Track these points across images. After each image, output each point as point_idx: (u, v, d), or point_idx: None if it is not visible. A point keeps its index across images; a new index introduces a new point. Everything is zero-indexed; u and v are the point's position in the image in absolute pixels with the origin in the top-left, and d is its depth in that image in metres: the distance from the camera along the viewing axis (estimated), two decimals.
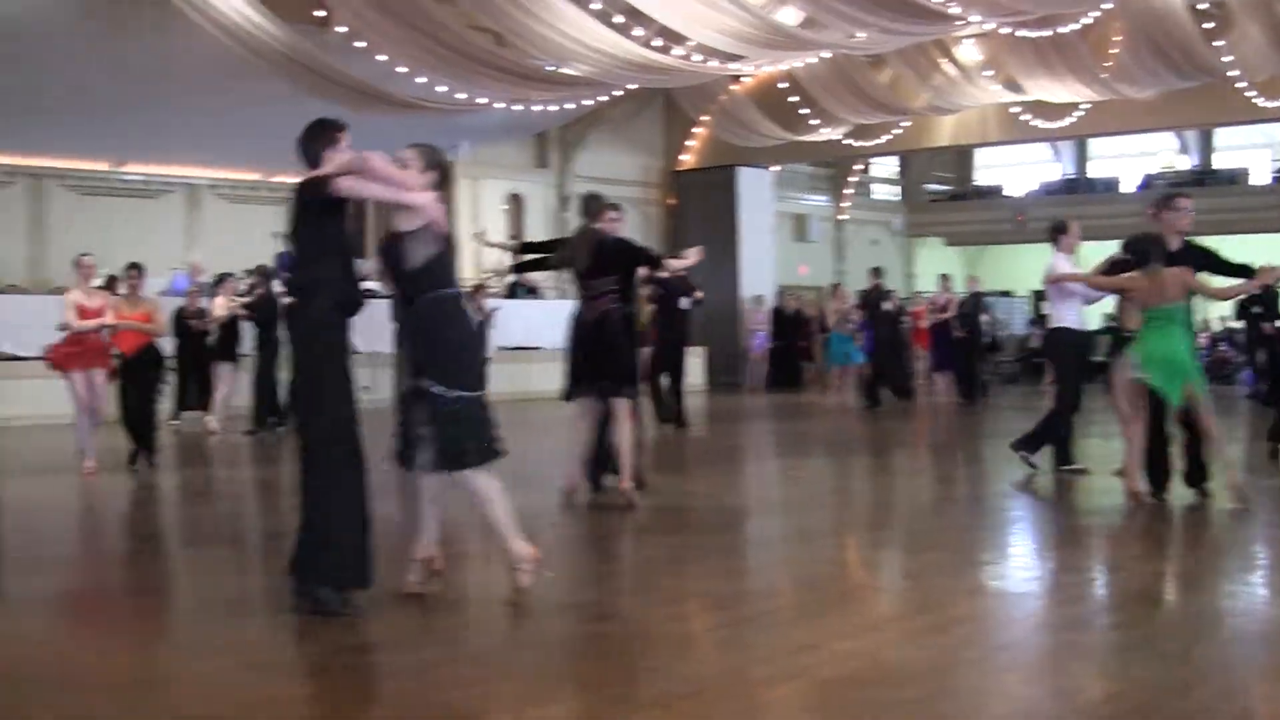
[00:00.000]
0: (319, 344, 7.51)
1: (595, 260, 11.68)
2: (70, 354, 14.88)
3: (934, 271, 31.98)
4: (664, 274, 13.98)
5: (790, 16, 24.88)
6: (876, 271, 26.77)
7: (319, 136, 7.73)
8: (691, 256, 12.64)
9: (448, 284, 7.75)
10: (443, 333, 7.70)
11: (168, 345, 19.52)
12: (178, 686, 6.35)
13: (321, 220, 7.55)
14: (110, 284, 15.75)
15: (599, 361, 11.65)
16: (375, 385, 24.91)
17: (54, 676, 6.49)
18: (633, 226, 33.71)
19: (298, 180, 7.66)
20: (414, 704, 5.94)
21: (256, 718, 5.80)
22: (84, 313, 14.85)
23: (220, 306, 21.11)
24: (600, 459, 12.44)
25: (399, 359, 23.34)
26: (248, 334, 21.49)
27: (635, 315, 12.51)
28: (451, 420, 7.64)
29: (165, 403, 19.49)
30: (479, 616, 7.49)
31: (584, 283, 11.79)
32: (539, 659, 6.79)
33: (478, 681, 6.37)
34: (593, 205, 12.00)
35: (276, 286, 21.53)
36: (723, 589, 8.51)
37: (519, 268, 13.91)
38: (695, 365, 30.96)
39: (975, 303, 27.25)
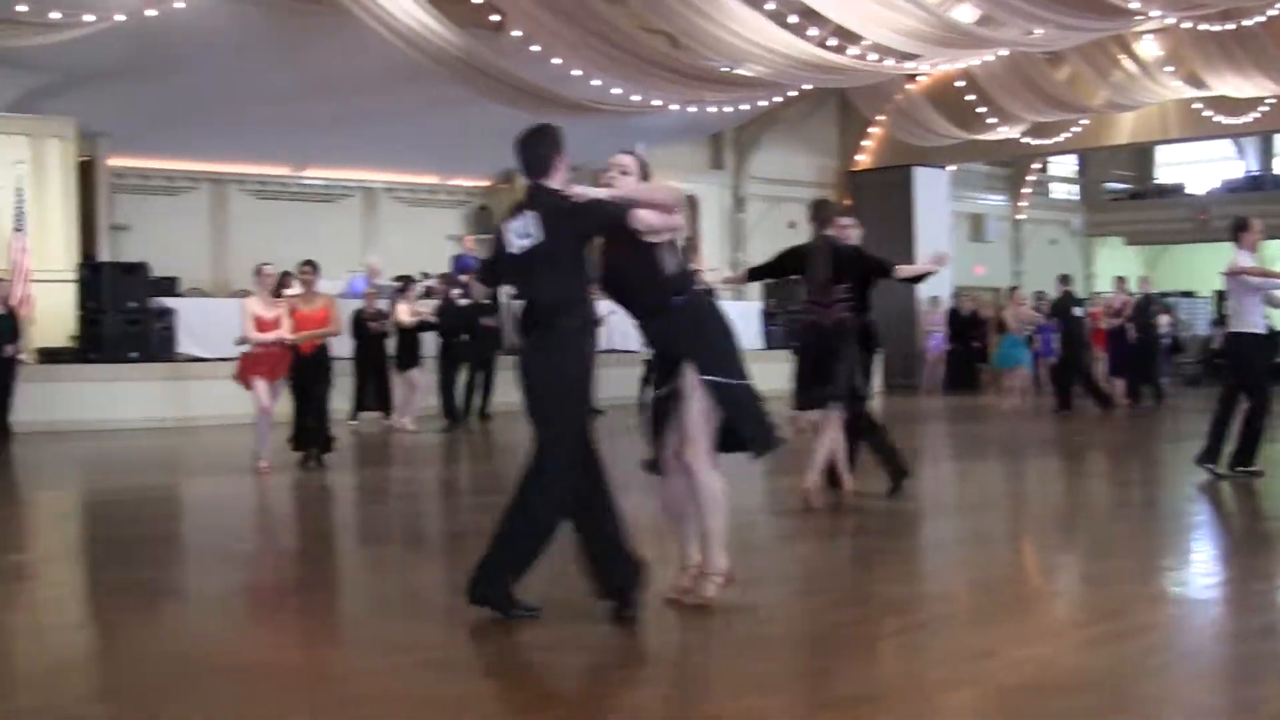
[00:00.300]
0: (573, 359, 7.43)
1: (835, 269, 11.54)
2: (254, 368, 15.13)
3: (1114, 272, 31.46)
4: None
5: (967, 14, 24.65)
6: (1065, 279, 26.20)
7: (550, 143, 7.61)
8: (931, 263, 12.47)
9: (693, 285, 7.76)
10: (712, 327, 7.70)
11: (346, 346, 19.83)
12: (353, 682, 6.43)
13: (582, 241, 7.52)
14: (282, 280, 15.88)
15: (829, 370, 11.55)
16: None
17: (232, 670, 6.60)
18: (807, 227, 33.62)
19: (576, 199, 7.43)
20: (589, 705, 5.96)
21: (431, 714, 5.85)
22: (261, 324, 15.00)
23: (405, 313, 21.37)
24: (890, 457, 12.35)
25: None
26: (429, 337, 21.79)
27: (873, 323, 12.36)
28: (749, 404, 7.65)
29: (344, 403, 19.79)
30: (655, 618, 7.47)
31: (816, 291, 11.67)
32: (716, 661, 6.78)
33: (653, 683, 6.39)
34: (824, 212, 11.84)
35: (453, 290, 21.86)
36: (900, 592, 8.45)
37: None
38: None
39: (1147, 305, 26.73)
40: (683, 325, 7.63)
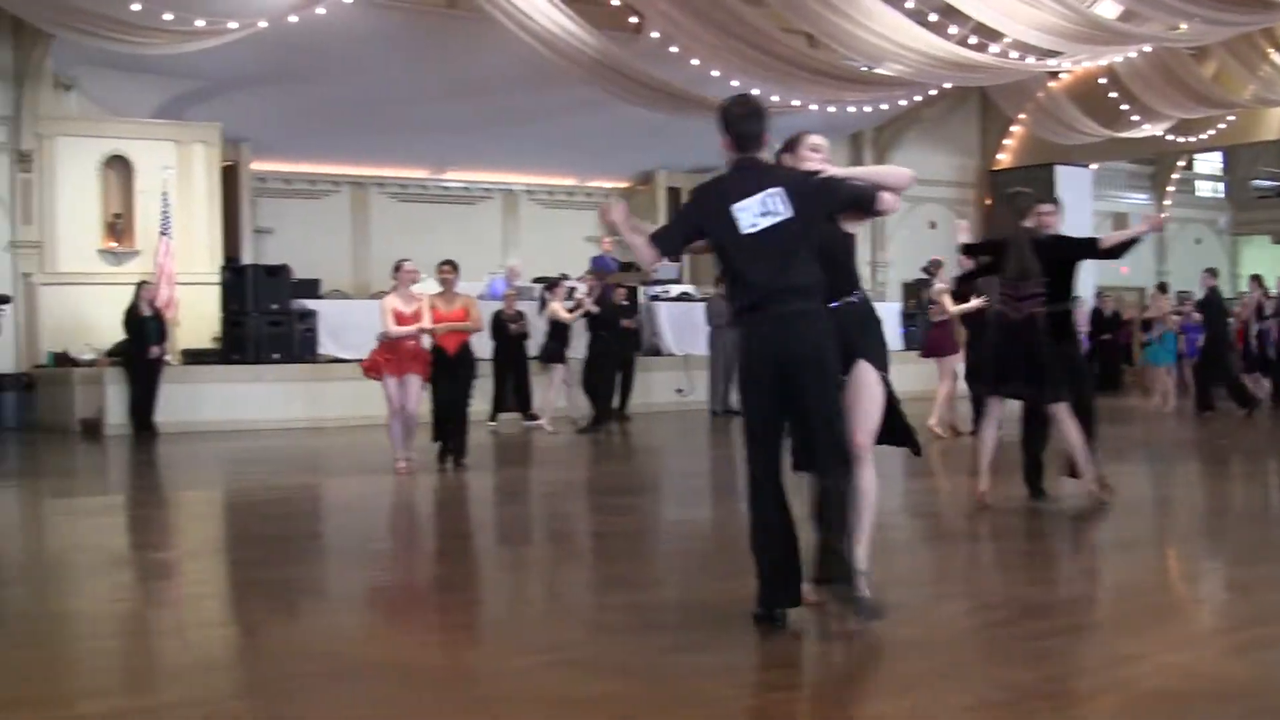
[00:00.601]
0: (828, 339, 7.17)
1: (1032, 262, 11.34)
2: (385, 360, 15.16)
3: (1263, 271, 30.90)
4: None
5: (1109, 9, 24.34)
6: (1212, 273, 25.73)
7: (764, 117, 7.27)
8: (1143, 226, 12.16)
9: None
10: (879, 324, 7.62)
11: (485, 347, 19.91)
12: (491, 681, 6.44)
13: (825, 220, 7.30)
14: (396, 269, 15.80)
15: (1020, 365, 11.36)
16: (691, 387, 25.13)
17: (373, 669, 6.62)
18: (948, 228, 33.38)
19: (821, 176, 7.23)
20: (728, 707, 5.92)
21: (567, 714, 5.85)
22: (400, 319, 14.99)
23: (560, 309, 21.42)
24: (1031, 464, 12.18)
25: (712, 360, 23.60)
26: (577, 337, 21.88)
27: (1070, 314, 12.12)
28: (897, 404, 7.60)
29: (482, 404, 19.86)
30: (794, 619, 7.40)
31: (1011, 283, 11.46)
32: (855, 663, 6.72)
33: (791, 685, 6.34)
34: (1022, 202, 11.62)
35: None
36: (1041, 596, 8.33)
37: (968, 278, 13.48)
38: None
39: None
40: (858, 320, 7.47)
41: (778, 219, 7.00)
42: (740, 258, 7.11)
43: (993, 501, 11.58)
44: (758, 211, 7.01)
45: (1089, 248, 11.91)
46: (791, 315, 7.03)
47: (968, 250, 12.33)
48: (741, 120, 7.19)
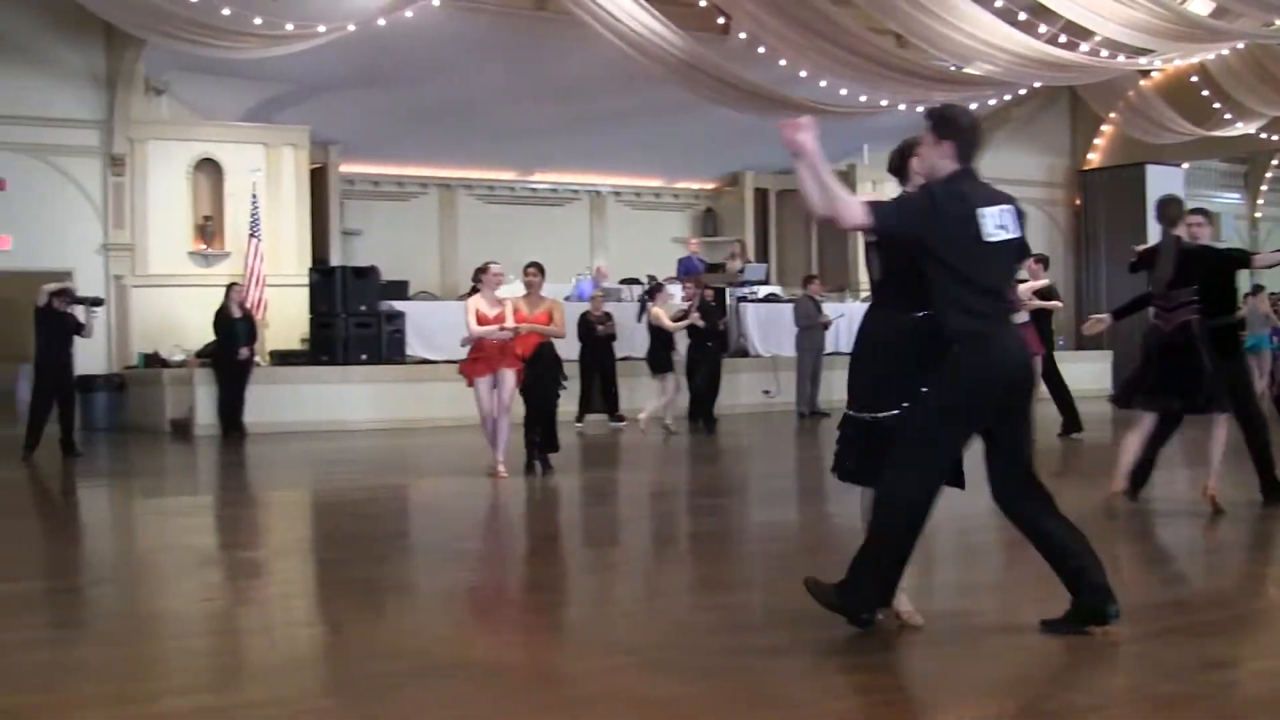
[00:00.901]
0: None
1: (1177, 270, 11.19)
2: (475, 362, 15.05)
3: None
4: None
5: (1202, 6, 24.10)
6: None
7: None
8: None
9: None
10: None
11: (572, 349, 19.87)
12: (577, 681, 6.44)
13: None
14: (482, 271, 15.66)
15: (1171, 376, 11.20)
16: (778, 388, 25.04)
17: (458, 668, 6.64)
18: (1036, 229, 33.14)
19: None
20: (810, 709, 5.89)
21: (653, 715, 5.84)
22: (482, 320, 14.85)
23: (664, 316, 21.33)
24: (1143, 467, 12.08)
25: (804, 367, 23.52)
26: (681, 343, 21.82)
27: (1231, 327, 11.90)
28: None
29: (569, 405, 19.85)
30: (879, 622, 7.36)
31: (1163, 293, 11.29)
32: (939, 666, 6.66)
33: (874, 689, 6.29)
34: (1171, 210, 11.49)
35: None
36: (1131, 600, 8.22)
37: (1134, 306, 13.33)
38: (1099, 371, 30.03)
39: None
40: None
41: (1008, 236, 6.91)
42: (978, 263, 6.89)
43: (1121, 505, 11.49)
44: (996, 222, 6.89)
45: (1242, 260, 11.80)
46: (1018, 331, 7.13)
47: (1134, 268, 12.19)
48: (970, 130, 7.05)
